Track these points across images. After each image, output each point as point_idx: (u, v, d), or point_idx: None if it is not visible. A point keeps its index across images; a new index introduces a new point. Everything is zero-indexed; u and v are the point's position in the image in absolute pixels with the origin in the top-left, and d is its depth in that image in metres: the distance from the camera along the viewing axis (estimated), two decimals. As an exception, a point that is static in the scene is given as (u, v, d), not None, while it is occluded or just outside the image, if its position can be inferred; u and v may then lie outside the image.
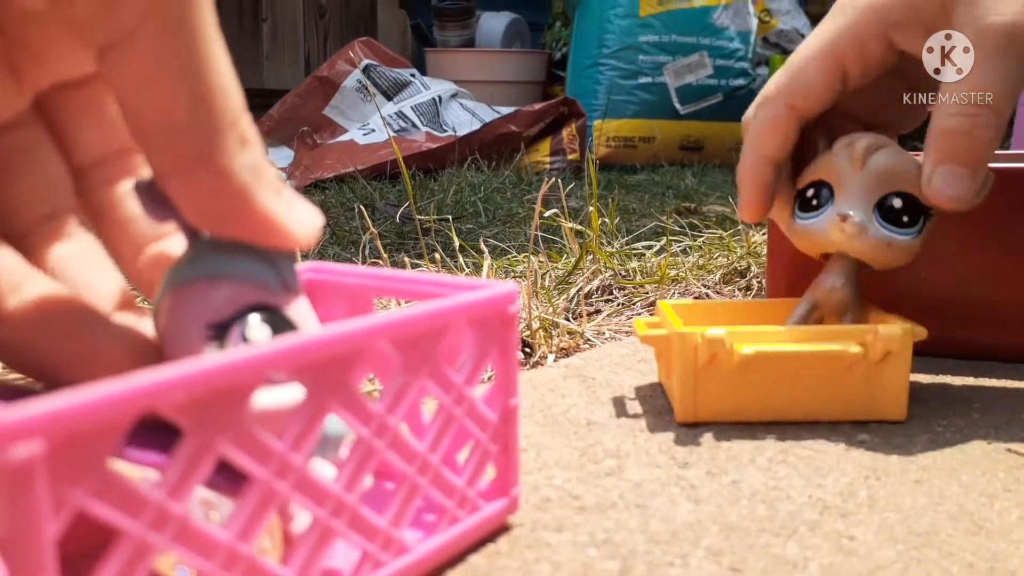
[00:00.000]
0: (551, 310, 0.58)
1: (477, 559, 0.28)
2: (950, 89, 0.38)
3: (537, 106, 1.68)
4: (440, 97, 1.72)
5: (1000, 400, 0.43)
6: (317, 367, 0.22)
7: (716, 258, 0.77)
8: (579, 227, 0.76)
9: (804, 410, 0.39)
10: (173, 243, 0.26)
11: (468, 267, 0.71)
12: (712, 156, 1.95)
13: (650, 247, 0.81)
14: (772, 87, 0.42)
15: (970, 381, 0.46)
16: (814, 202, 0.41)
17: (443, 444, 0.26)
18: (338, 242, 0.89)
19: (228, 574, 0.20)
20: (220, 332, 0.22)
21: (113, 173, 0.26)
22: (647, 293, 0.67)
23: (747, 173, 0.42)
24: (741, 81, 1.97)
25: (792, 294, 0.46)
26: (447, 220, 0.92)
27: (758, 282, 0.70)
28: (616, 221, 0.87)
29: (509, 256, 0.78)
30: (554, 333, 0.55)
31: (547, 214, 0.70)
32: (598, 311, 0.63)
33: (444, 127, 1.66)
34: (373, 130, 1.61)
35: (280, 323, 0.23)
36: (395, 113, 1.67)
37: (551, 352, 0.52)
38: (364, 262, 0.75)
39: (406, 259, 0.73)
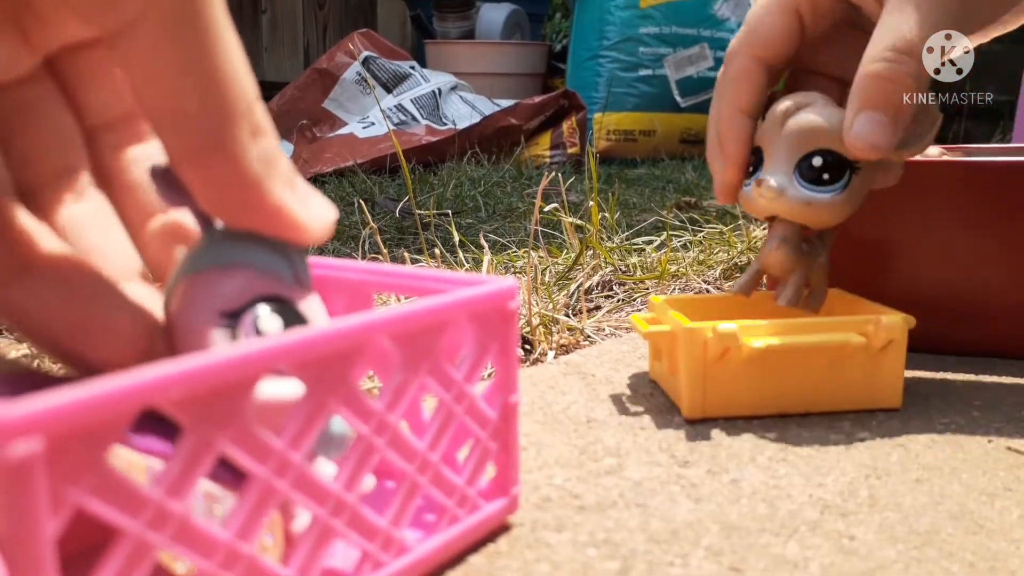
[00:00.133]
0: (551, 306, 0.58)
1: (477, 559, 0.27)
2: (875, 38, 0.38)
3: (537, 99, 1.67)
4: (440, 90, 1.71)
5: (1001, 398, 0.42)
6: (317, 363, 0.21)
7: (716, 253, 0.77)
8: (579, 222, 0.76)
9: (807, 401, 0.40)
10: (182, 214, 0.26)
11: (468, 262, 0.70)
12: (712, 150, 1.95)
13: (650, 242, 0.81)
14: (735, 43, 0.43)
15: (971, 379, 0.45)
16: (750, 169, 0.42)
17: (443, 442, 0.26)
18: (337, 237, 0.88)
19: (228, 573, 0.20)
20: (232, 320, 0.22)
21: (122, 137, 0.25)
22: (647, 289, 0.67)
23: (728, 128, 0.42)
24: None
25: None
26: (447, 215, 0.92)
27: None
28: (616, 216, 0.87)
29: (509, 251, 0.78)
30: (554, 329, 0.54)
31: (547, 209, 0.70)
32: (598, 307, 0.63)
33: (444, 120, 1.65)
34: (373, 123, 1.61)
35: (291, 315, 0.23)
36: (395, 106, 1.66)
37: (551, 349, 0.52)
38: (364, 257, 0.75)
39: (406, 254, 0.72)
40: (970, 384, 0.45)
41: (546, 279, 0.65)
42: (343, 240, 0.87)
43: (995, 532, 0.29)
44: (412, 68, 1.76)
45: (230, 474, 0.22)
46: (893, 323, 0.39)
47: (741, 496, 0.32)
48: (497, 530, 0.29)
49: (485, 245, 0.65)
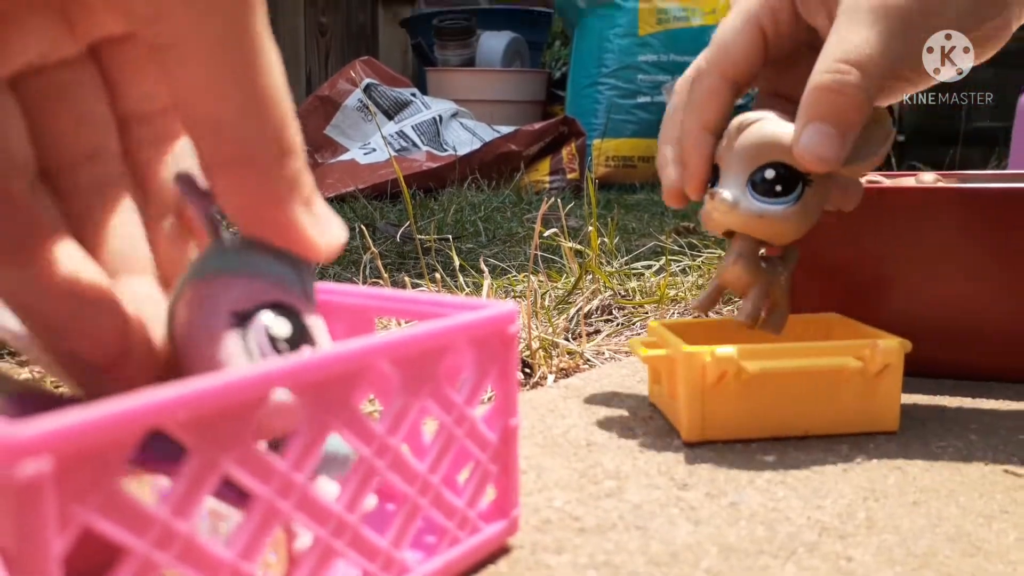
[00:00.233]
0: (551, 330, 0.58)
1: (477, 579, 0.28)
2: (823, 53, 0.38)
3: (537, 125, 1.68)
4: (440, 116, 1.73)
5: (997, 421, 0.43)
6: (319, 386, 0.22)
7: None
8: (579, 247, 0.76)
9: (804, 424, 0.40)
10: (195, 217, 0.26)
11: (468, 287, 0.71)
12: (711, 176, 1.96)
13: (649, 267, 0.81)
14: (702, 61, 0.43)
15: (967, 402, 0.46)
16: (709, 186, 0.42)
17: (443, 465, 0.26)
18: (338, 262, 0.89)
19: (231, 593, 0.20)
20: (242, 321, 0.23)
21: (155, 132, 0.26)
22: (647, 313, 0.68)
23: (692, 145, 0.42)
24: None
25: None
26: (447, 240, 0.93)
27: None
28: (615, 241, 0.88)
29: (509, 276, 0.79)
30: (554, 353, 0.55)
31: (547, 234, 0.70)
32: (598, 331, 0.63)
33: (444, 146, 1.66)
34: (374, 149, 1.62)
35: (297, 324, 0.23)
36: (396, 132, 1.68)
37: (551, 372, 0.52)
38: (365, 282, 0.75)
39: (406, 279, 0.73)
40: (967, 408, 0.45)
41: (546, 303, 0.66)
42: (344, 265, 0.87)
43: (992, 554, 0.29)
44: (413, 95, 1.78)
45: (235, 492, 0.22)
46: (890, 347, 0.39)
47: (740, 518, 0.32)
48: (497, 552, 0.29)
49: (485, 269, 0.65)
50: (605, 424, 0.42)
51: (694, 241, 0.97)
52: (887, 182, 0.55)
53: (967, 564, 0.29)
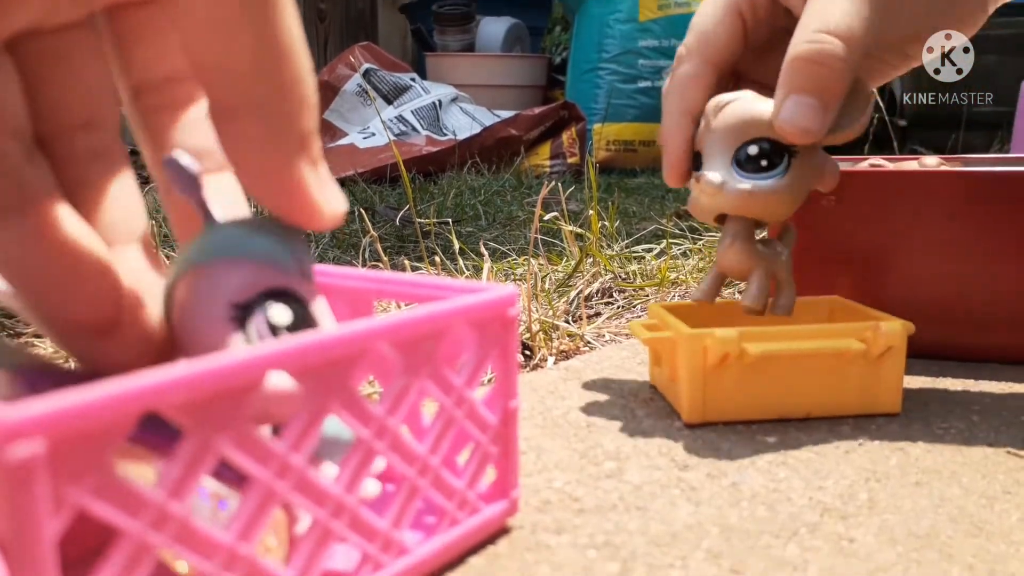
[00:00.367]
0: (551, 313, 0.58)
1: (477, 561, 0.28)
2: (801, 24, 0.38)
3: (537, 110, 1.68)
4: (440, 101, 1.72)
5: (1000, 402, 0.43)
6: (318, 369, 0.22)
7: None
8: (579, 230, 0.76)
9: (807, 407, 0.40)
10: (210, 184, 0.26)
11: (468, 270, 0.71)
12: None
13: (650, 250, 0.81)
14: (683, 49, 0.43)
15: (970, 383, 0.46)
16: (693, 171, 0.41)
17: (443, 446, 0.26)
18: (338, 245, 0.89)
19: (228, 574, 0.20)
20: (242, 312, 0.22)
21: (164, 99, 0.25)
22: (647, 296, 0.67)
23: (671, 131, 0.42)
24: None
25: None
26: (447, 223, 0.92)
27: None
28: (616, 224, 0.87)
29: (509, 259, 0.79)
30: (554, 336, 0.55)
31: (547, 217, 0.70)
32: (598, 314, 0.63)
33: (444, 131, 1.66)
34: (373, 134, 1.62)
35: (298, 308, 0.23)
36: (395, 117, 1.67)
37: (551, 355, 0.52)
38: (364, 265, 0.75)
39: (406, 262, 0.73)
40: (970, 389, 0.45)
41: (546, 286, 0.65)
42: (344, 248, 0.87)
43: (995, 535, 0.29)
44: (412, 80, 1.77)
45: (237, 474, 0.22)
46: (892, 329, 0.39)
47: (741, 499, 0.32)
48: (497, 532, 0.29)
49: (485, 253, 0.65)
50: (605, 406, 0.42)
51: (695, 224, 0.96)
52: (890, 166, 0.55)
53: (969, 544, 0.29)
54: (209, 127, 0.23)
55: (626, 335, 0.57)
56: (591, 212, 0.72)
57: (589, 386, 0.45)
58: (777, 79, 0.39)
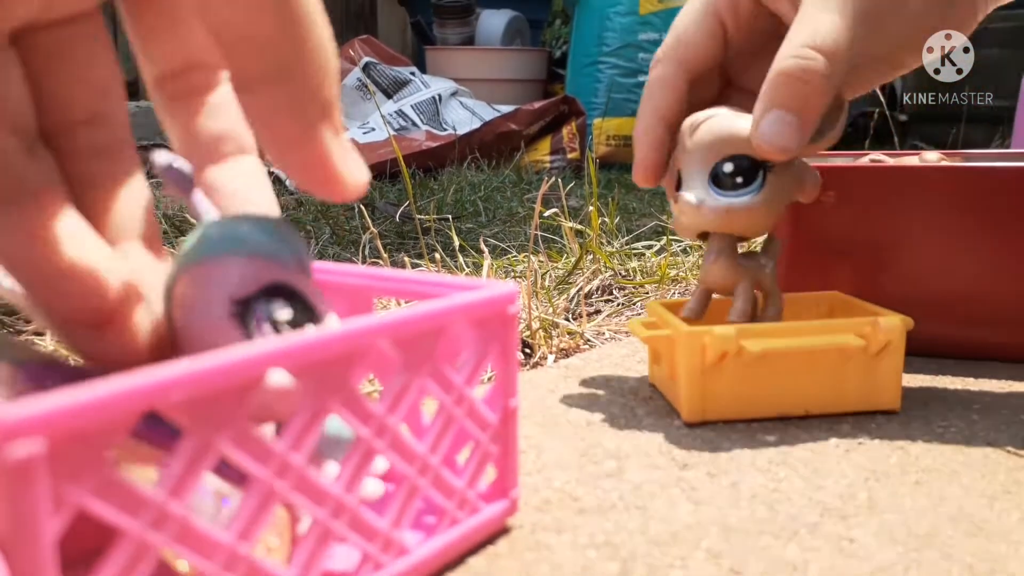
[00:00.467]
0: (551, 310, 0.58)
1: (477, 561, 0.28)
2: (787, 39, 0.37)
3: (537, 104, 1.67)
4: (440, 95, 1.72)
5: (1000, 401, 0.43)
6: (318, 367, 0.22)
7: (716, 258, 0.77)
8: (579, 227, 0.76)
9: (806, 404, 0.40)
10: (231, 168, 0.26)
11: (468, 267, 0.71)
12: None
13: (650, 247, 0.81)
14: (661, 50, 0.43)
15: (970, 382, 0.46)
16: (674, 191, 0.42)
17: (443, 445, 0.26)
18: (338, 242, 0.89)
19: (229, 574, 0.20)
20: (243, 308, 0.22)
21: (186, 86, 0.25)
22: (647, 293, 0.67)
23: (641, 133, 0.42)
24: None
25: (789, 288, 0.46)
26: (447, 219, 0.92)
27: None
28: (616, 220, 0.87)
29: (509, 256, 0.78)
30: (554, 333, 0.55)
31: (547, 213, 0.70)
32: (598, 311, 0.63)
33: (444, 126, 1.66)
34: (373, 129, 1.61)
35: (299, 304, 0.23)
36: (395, 112, 1.67)
37: (551, 352, 0.52)
38: (364, 262, 0.75)
39: (406, 259, 0.73)
40: (970, 388, 0.45)
41: (546, 283, 0.65)
42: (343, 245, 0.87)
43: (995, 534, 0.29)
44: (412, 74, 1.77)
45: (239, 472, 0.22)
46: (891, 325, 0.39)
47: (741, 499, 0.32)
48: (497, 532, 0.29)
49: (485, 250, 0.65)
50: (605, 404, 0.42)
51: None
52: (891, 161, 0.54)
53: (969, 544, 0.29)
54: (230, 111, 0.23)
55: (626, 333, 0.57)
56: (591, 208, 0.72)
57: (589, 384, 0.45)
58: (760, 86, 0.39)
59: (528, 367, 0.50)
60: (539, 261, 0.71)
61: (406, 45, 2.68)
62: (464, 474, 0.27)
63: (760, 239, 0.43)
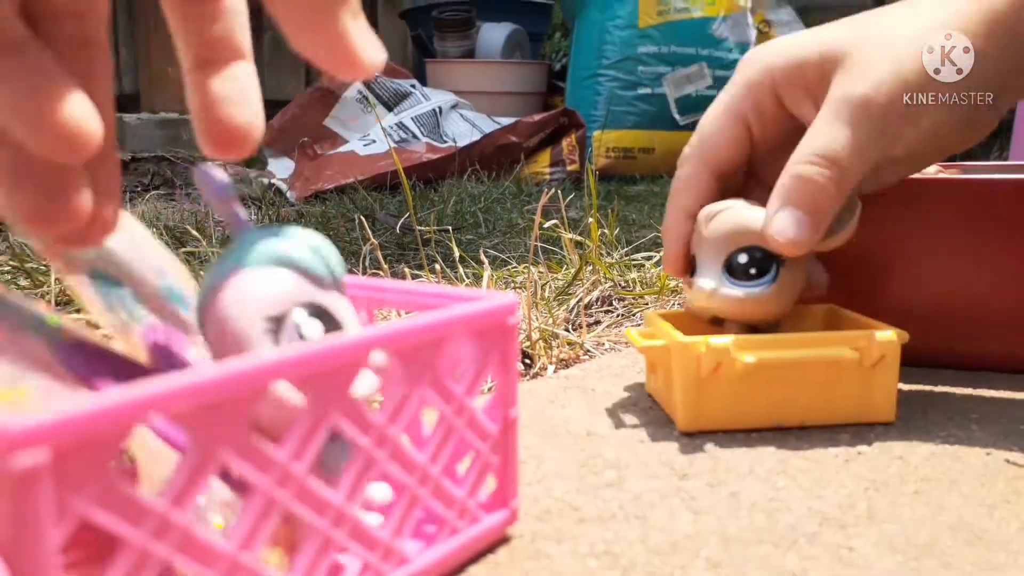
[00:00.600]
0: (551, 321, 0.58)
1: (477, 570, 0.28)
2: (804, 143, 0.39)
3: (537, 117, 1.68)
4: (440, 108, 1.72)
5: (998, 411, 0.43)
6: (319, 377, 0.22)
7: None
8: (579, 238, 0.76)
9: (801, 415, 0.40)
10: (231, 72, 0.25)
11: (468, 278, 0.71)
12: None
13: (650, 258, 0.81)
14: (687, 148, 0.45)
15: (968, 392, 0.46)
16: (689, 275, 0.43)
17: (443, 455, 0.26)
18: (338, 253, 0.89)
19: (230, 583, 0.20)
20: (276, 324, 0.23)
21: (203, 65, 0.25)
22: (647, 304, 0.67)
23: (669, 227, 0.44)
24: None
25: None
26: (447, 231, 0.93)
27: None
28: (616, 232, 0.88)
29: (509, 267, 0.79)
30: (554, 344, 0.55)
31: (547, 225, 0.70)
32: (598, 322, 0.63)
33: (444, 138, 1.66)
34: (373, 141, 1.62)
35: (328, 318, 0.24)
36: (395, 124, 1.67)
37: (551, 363, 0.52)
38: (364, 273, 0.75)
39: (406, 270, 0.73)
40: (968, 398, 0.45)
41: (546, 294, 0.65)
42: (344, 256, 0.87)
43: (994, 543, 0.29)
44: (413, 87, 1.77)
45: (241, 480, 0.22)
46: (886, 339, 0.39)
47: (740, 508, 0.32)
48: (497, 542, 0.29)
49: (485, 261, 0.65)
50: (605, 414, 0.42)
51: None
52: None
53: (968, 553, 0.29)
54: (231, 18, 0.23)
55: (625, 343, 0.57)
56: (591, 220, 0.72)
57: (589, 395, 0.46)
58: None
59: (528, 377, 0.50)
60: (539, 272, 0.71)
61: (407, 58, 2.69)
62: (464, 484, 0.28)
63: None
